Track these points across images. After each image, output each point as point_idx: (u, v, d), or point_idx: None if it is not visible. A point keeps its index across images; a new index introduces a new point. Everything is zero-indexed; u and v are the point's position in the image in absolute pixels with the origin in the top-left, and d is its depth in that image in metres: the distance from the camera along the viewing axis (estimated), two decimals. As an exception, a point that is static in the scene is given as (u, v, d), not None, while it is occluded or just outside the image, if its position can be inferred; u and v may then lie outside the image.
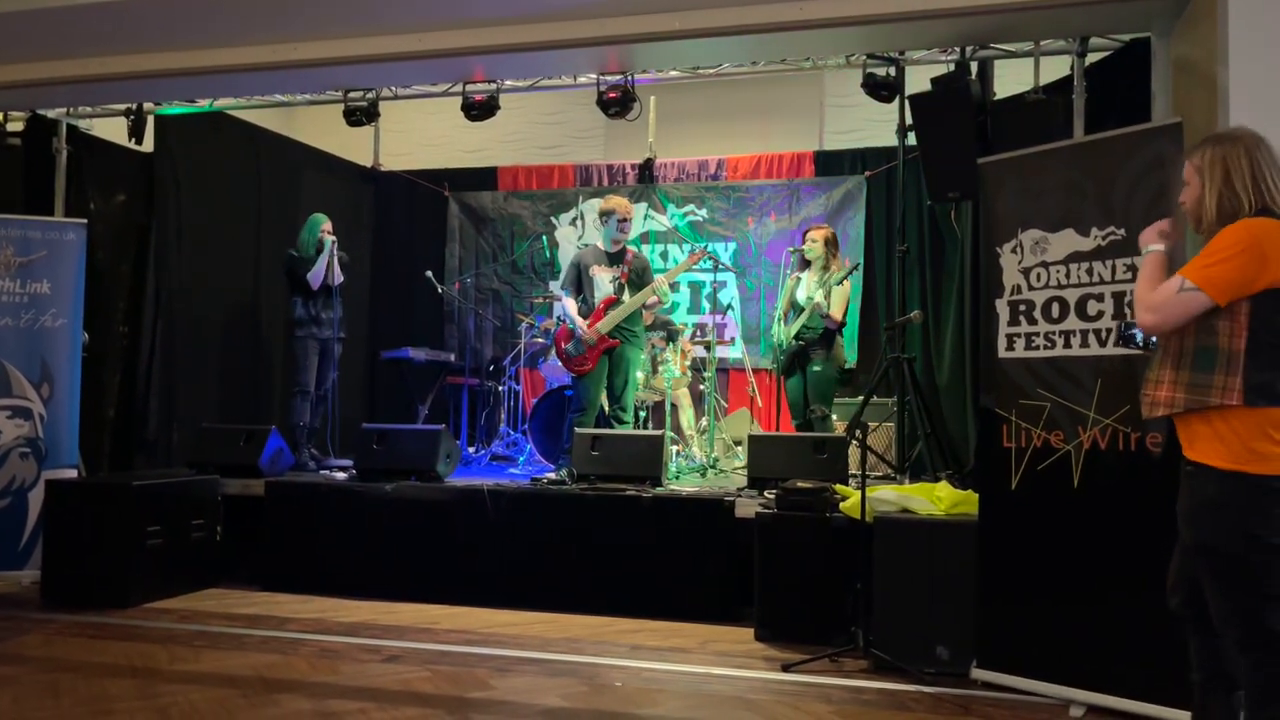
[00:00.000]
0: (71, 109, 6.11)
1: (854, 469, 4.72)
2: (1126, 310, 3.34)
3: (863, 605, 3.93)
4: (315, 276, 6.00)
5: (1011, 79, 5.37)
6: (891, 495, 4.07)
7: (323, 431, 6.23)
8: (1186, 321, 2.39)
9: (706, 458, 6.41)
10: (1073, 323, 3.49)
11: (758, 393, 7.26)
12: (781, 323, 5.89)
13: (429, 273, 7.56)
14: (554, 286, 7.90)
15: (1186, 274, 2.38)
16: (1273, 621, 2.34)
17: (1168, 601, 2.60)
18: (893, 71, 5.25)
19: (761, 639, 4.28)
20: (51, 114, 6.07)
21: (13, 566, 5.33)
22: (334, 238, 6.10)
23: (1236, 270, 2.33)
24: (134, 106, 6.02)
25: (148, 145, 6.26)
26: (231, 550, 5.41)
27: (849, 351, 6.74)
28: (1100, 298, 3.43)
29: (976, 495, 3.86)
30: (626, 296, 5.62)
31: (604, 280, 5.67)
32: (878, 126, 7.42)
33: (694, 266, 6.69)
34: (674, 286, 7.01)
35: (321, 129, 7.67)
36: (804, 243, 6.00)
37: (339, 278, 6.13)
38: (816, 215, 7.46)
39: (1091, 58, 4.87)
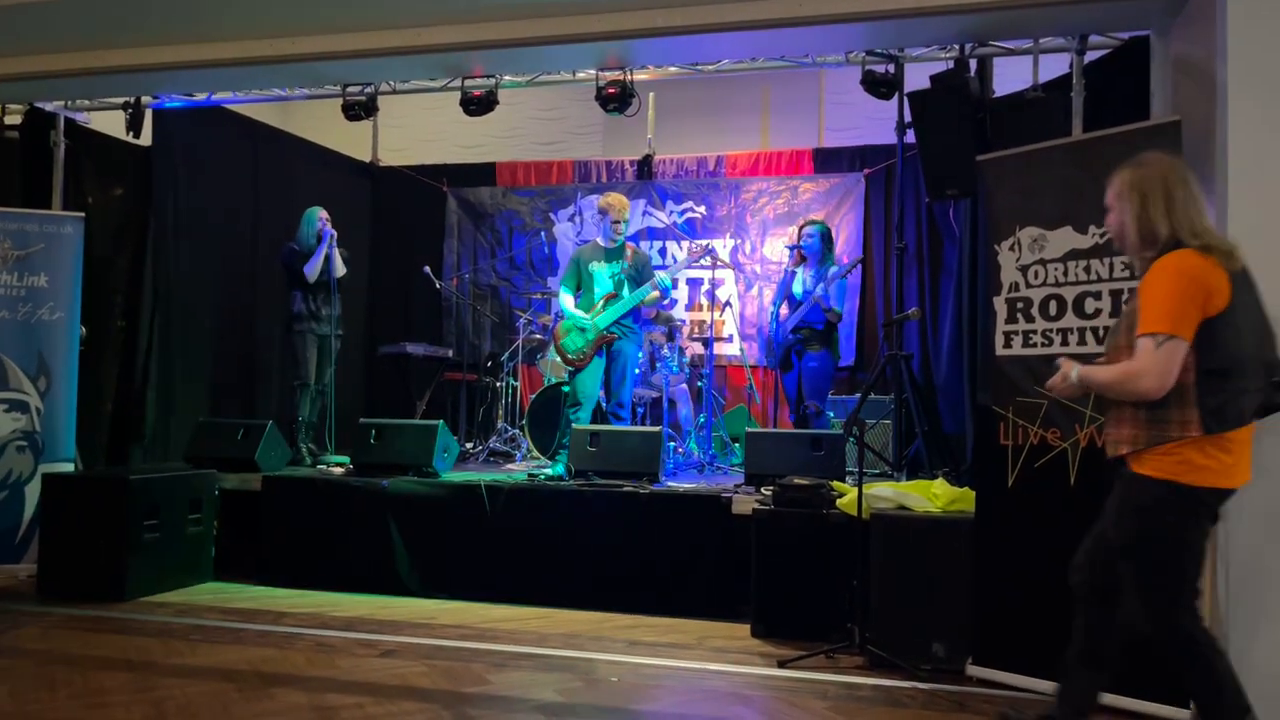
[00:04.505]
0: (69, 102, 6.10)
1: (851, 465, 4.72)
2: (1123, 307, 3.33)
3: (859, 602, 3.94)
4: (311, 267, 5.98)
5: (1010, 77, 5.36)
6: (888, 492, 4.07)
7: (320, 426, 6.22)
8: (1177, 370, 2.40)
9: (703, 454, 6.41)
10: (1070, 320, 3.49)
11: (755, 389, 7.26)
12: (779, 317, 5.89)
13: (427, 268, 7.55)
14: (552, 282, 7.90)
15: (1154, 329, 2.40)
16: (1183, 619, 2.48)
17: (1069, 578, 2.71)
18: (892, 69, 5.25)
19: (758, 635, 4.29)
20: (49, 107, 6.05)
21: (9, 560, 5.33)
22: (333, 230, 6.09)
23: (1194, 307, 2.40)
24: (132, 100, 6.00)
25: (146, 139, 6.23)
26: (228, 545, 5.41)
27: (846, 348, 6.75)
28: (1098, 295, 3.43)
29: (973, 493, 3.87)
30: (626, 292, 5.62)
31: (603, 276, 5.67)
32: (876, 124, 7.41)
33: (693, 263, 6.69)
34: (673, 283, 7.00)
35: (320, 124, 7.65)
36: (800, 237, 6.00)
37: (341, 270, 6.11)
38: (815, 212, 7.45)
39: (1090, 56, 4.87)
